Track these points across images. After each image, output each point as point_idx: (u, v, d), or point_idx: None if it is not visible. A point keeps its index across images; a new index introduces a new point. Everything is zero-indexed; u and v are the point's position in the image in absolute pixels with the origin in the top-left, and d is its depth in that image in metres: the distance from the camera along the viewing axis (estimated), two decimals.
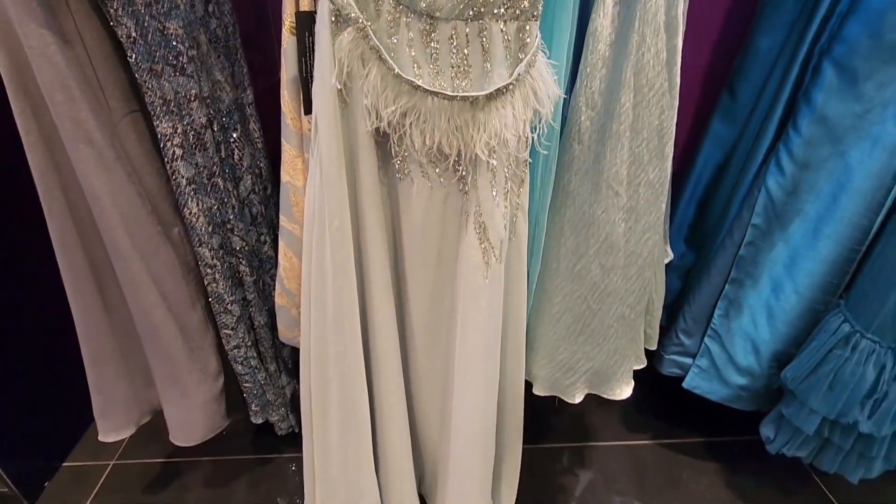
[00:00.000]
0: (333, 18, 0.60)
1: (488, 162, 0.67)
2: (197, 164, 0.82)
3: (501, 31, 0.63)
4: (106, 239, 0.81)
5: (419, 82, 0.62)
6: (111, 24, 0.68)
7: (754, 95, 0.98)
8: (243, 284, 0.97)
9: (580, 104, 0.71)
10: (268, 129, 0.97)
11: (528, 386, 0.92)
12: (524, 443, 0.94)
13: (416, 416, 0.93)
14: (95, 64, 0.71)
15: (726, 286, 1.03)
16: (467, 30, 0.62)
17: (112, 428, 1.01)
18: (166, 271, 0.87)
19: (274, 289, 1.02)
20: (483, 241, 0.71)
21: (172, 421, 1.02)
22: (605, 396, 0.89)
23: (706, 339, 1.09)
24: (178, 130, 0.77)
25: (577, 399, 0.88)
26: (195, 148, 0.80)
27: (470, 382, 0.79)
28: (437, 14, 0.61)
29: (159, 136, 0.76)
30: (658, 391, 1.41)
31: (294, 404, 1.17)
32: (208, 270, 0.89)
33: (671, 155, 0.71)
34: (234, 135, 0.89)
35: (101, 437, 1.01)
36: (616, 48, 0.67)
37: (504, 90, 0.63)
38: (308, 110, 0.70)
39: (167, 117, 0.75)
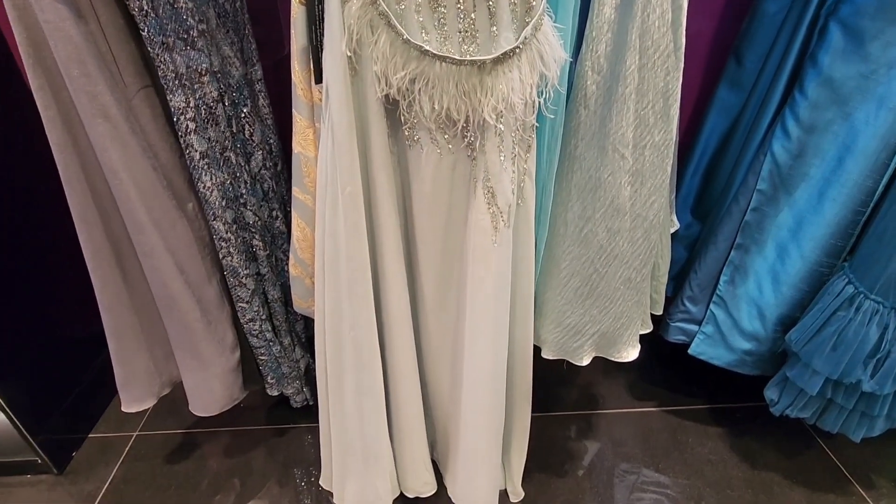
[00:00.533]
0: None
1: (496, 126, 0.68)
2: (209, 139, 0.83)
3: None
4: (124, 212, 0.83)
5: (427, 47, 0.63)
6: None
7: (761, 61, 0.98)
8: (257, 259, 1.00)
9: (586, 69, 0.72)
10: (276, 104, 0.99)
11: (537, 352, 0.94)
12: (533, 411, 0.97)
13: (427, 380, 0.96)
14: (109, 39, 0.72)
15: (732, 253, 1.05)
16: None
17: (134, 399, 1.04)
18: (183, 244, 0.90)
19: (286, 264, 1.05)
20: (491, 205, 0.73)
21: (192, 391, 1.05)
22: (611, 359, 0.92)
23: (712, 306, 1.11)
24: (191, 104, 0.78)
25: (585, 362, 0.91)
26: (207, 122, 0.82)
27: (479, 347, 0.81)
28: None
29: (172, 109, 0.77)
30: (663, 359, 1.43)
31: (308, 377, 1.20)
32: (223, 244, 0.92)
33: (676, 117, 0.71)
34: (245, 110, 0.91)
35: (123, 408, 1.05)
36: (621, 11, 0.67)
37: (511, 54, 0.64)
38: (319, 79, 0.71)
39: (180, 91, 0.77)
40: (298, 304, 0.98)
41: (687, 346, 1.16)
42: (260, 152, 0.95)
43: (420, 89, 0.66)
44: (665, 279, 1.00)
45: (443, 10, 0.64)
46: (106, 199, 0.83)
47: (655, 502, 1.11)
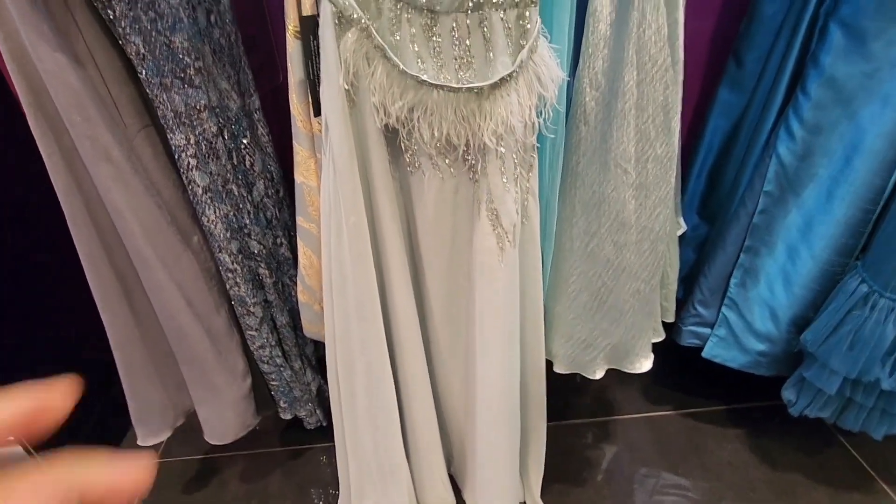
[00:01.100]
0: (336, 21, 0.61)
1: (497, 149, 0.68)
2: (211, 173, 0.84)
3: (501, 19, 0.63)
4: (130, 249, 0.83)
5: (424, 77, 0.63)
6: (120, 42, 0.69)
7: (761, 62, 0.97)
8: (264, 286, 1.00)
9: (584, 85, 0.71)
10: (275, 131, 0.99)
11: (549, 365, 0.94)
12: (548, 420, 0.97)
13: (440, 396, 0.96)
14: (108, 82, 0.73)
15: (741, 255, 1.04)
16: (468, 21, 0.63)
17: (150, 433, 1.05)
18: (189, 277, 0.90)
19: (293, 289, 1.05)
20: (496, 226, 0.73)
21: (206, 421, 1.06)
22: (625, 370, 0.91)
23: (723, 309, 1.10)
24: (191, 141, 0.79)
25: (598, 375, 0.90)
26: (208, 157, 0.82)
27: (492, 365, 0.81)
28: (438, 8, 0.62)
29: (173, 148, 0.78)
30: (677, 363, 1.42)
31: (320, 399, 1.20)
32: (229, 275, 0.92)
33: (678, 129, 0.71)
34: (245, 141, 0.91)
35: (139, 442, 1.05)
36: (616, 27, 0.67)
37: (508, 78, 0.64)
38: (317, 112, 0.71)
39: (180, 129, 0.77)
40: (308, 330, 0.98)
41: (700, 349, 1.16)
42: (261, 181, 0.96)
43: (419, 117, 0.66)
44: (675, 286, 0.99)
45: (437, 38, 0.63)
46: (111, 237, 0.84)
47: None
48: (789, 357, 1.08)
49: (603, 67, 0.69)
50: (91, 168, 0.75)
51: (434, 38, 0.64)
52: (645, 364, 0.89)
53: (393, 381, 0.84)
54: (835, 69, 0.84)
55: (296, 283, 0.94)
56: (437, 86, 0.63)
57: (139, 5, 0.67)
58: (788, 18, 0.91)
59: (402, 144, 0.70)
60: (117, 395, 1.02)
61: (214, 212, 0.86)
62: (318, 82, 0.67)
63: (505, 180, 0.70)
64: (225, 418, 1.05)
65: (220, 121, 0.85)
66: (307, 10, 0.66)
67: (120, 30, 0.68)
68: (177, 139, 0.77)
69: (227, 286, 0.93)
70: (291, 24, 0.67)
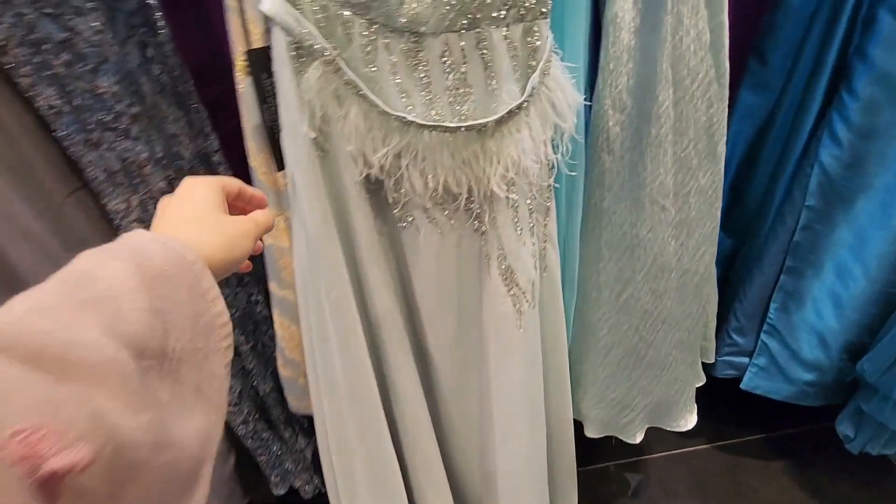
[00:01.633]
0: (294, 53, 0.48)
1: (508, 198, 0.55)
2: None
3: (504, 37, 0.50)
4: None
5: (411, 117, 0.50)
6: (25, 95, 0.55)
7: (790, 59, 0.85)
8: (240, 354, 0.86)
9: (605, 108, 0.59)
10: (241, 174, 0.85)
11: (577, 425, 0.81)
12: None
13: (454, 473, 0.83)
14: (17, 145, 0.59)
15: (781, 277, 0.92)
16: (462, 43, 0.50)
17: None
18: None
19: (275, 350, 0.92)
20: (511, 286, 0.60)
21: None
22: (668, 429, 0.78)
23: (763, 336, 0.98)
24: (134, 204, 0.65)
25: (638, 438, 0.78)
26: None
27: (514, 439, 0.68)
28: (423, 28, 0.49)
29: (111, 214, 0.64)
30: (705, 389, 1.30)
31: (317, 465, 1.07)
32: None
33: (724, 154, 0.58)
34: None
35: None
36: (643, 35, 0.54)
37: (517, 110, 0.51)
38: (280, 166, 0.58)
39: (117, 192, 0.63)
40: (296, 406, 0.84)
41: (735, 379, 1.04)
42: None
43: (408, 165, 0.53)
44: (714, 323, 0.87)
45: (424, 66, 0.50)
46: None
47: None
48: (841, 385, 0.96)
49: (628, 85, 0.56)
50: (10, 251, 0.61)
51: (420, 67, 0.51)
52: (690, 420, 0.77)
53: (400, 470, 0.70)
54: (887, 63, 0.72)
55: (277, 358, 0.81)
56: (428, 126, 0.50)
57: (45, 47, 0.54)
58: (822, 8, 0.79)
59: (390, 197, 0.57)
60: None
61: None
62: (277, 130, 0.54)
63: (519, 231, 0.57)
64: None
65: (170, 173, 0.71)
66: (257, 40, 0.52)
67: (22, 80, 0.54)
68: (114, 204, 0.63)
69: None
70: (239, 58, 0.53)
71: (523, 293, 0.60)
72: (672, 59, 0.52)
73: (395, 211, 0.57)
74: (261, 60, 0.52)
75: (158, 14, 0.69)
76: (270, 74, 0.52)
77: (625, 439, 0.78)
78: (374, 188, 0.57)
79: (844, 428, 0.95)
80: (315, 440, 1.07)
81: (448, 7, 0.47)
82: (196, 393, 0.26)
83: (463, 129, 0.50)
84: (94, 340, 0.22)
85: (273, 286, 0.71)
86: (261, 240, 0.40)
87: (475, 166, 0.53)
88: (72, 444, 0.18)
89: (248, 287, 0.88)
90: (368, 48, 0.49)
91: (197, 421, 0.26)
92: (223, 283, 0.82)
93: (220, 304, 0.29)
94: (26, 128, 0.59)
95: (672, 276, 0.63)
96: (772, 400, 1.05)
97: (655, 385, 0.72)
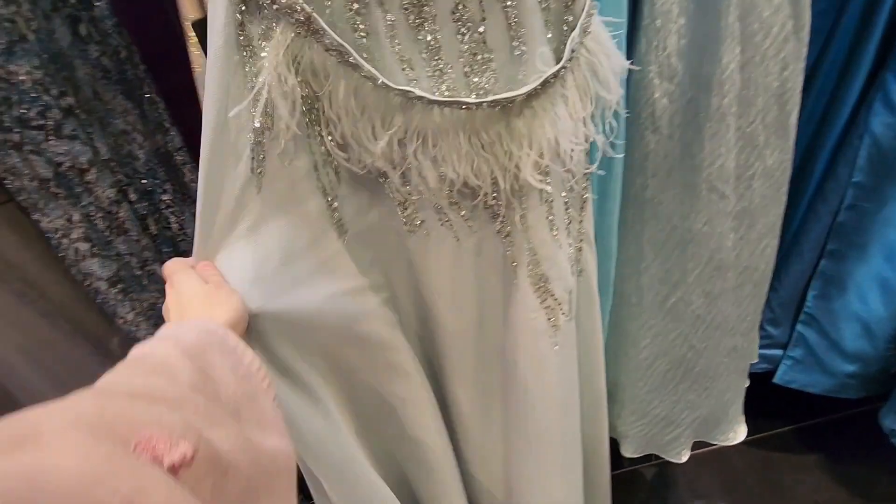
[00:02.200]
0: (240, 15, 0.36)
1: (542, 190, 0.44)
2: (119, 255, 0.58)
3: None
4: (26, 389, 0.57)
5: (418, 91, 0.39)
6: None
7: (830, 16, 0.75)
8: None
9: (650, 75, 0.48)
10: None
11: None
12: None
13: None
14: None
15: (822, 262, 0.83)
16: None
17: None
18: None
19: None
20: (545, 297, 0.50)
21: None
22: (715, 443, 0.70)
23: (799, 326, 0.90)
24: (74, 219, 0.53)
25: (683, 458, 0.69)
26: (110, 235, 0.56)
27: (549, 476, 0.58)
28: None
29: (45, 234, 0.52)
30: None
31: None
32: None
33: (796, 127, 0.48)
34: (165, 197, 0.65)
35: None
36: None
37: (552, 79, 0.40)
38: None
39: (52, 205, 0.51)
40: None
41: (768, 373, 0.96)
42: None
43: (416, 152, 0.42)
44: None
45: (431, 26, 0.39)
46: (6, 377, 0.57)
47: None
48: (885, 376, 0.88)
49: (679, 46, 0.46)
50: None
51: (426, 27, 0.39)
52: (740, 432, 0.69)
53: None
54: None
55: None
56: (438, 103, 0.39)
57: None
58: None
59: (392, 194, 0.46)
60: None
61: (133, 307, 0.60)
62: None
63: (555, 232, 0.47)
64: None
65: (121, 177, 0.59)
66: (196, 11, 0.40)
67: None
68: (47, 223, 0.51)
69: None
70: (188, 29, 0.41)
71: (559, 304, 0.50)
72: (741, 9, 0.42)
73: (400, 211, 0.46)
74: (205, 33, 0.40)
75: None
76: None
77: (668, 458, 0.69)
78: (369, 179, 0.46)
79: (891, 422, 0.87)
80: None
81: None
82: (258, 426, 0.31)
83: (485, 105, 0.39)
84: (165, 385, 0.27)
85: None
86: None
87: (499, 152, 0.42)
88: (177, 442, 0.23)
89: None
90: (356, 4, 0.37)
91: (267, 440, 0.31)
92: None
93: (250, 354, 0.36)
94: None
95: (729, 275, 0.54)
96: (800, 390, 0.98)
97: (705, 398, 0.63)
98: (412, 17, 0.39)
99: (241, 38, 0.38)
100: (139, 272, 0.61)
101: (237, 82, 0.39)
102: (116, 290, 0.58)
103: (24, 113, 0.48)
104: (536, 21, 0.39)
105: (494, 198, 0.46)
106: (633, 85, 0.50)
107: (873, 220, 0.77)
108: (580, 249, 0.52)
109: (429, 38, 0.40)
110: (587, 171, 0.47)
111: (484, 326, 0.54)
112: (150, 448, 0.22)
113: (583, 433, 0.63)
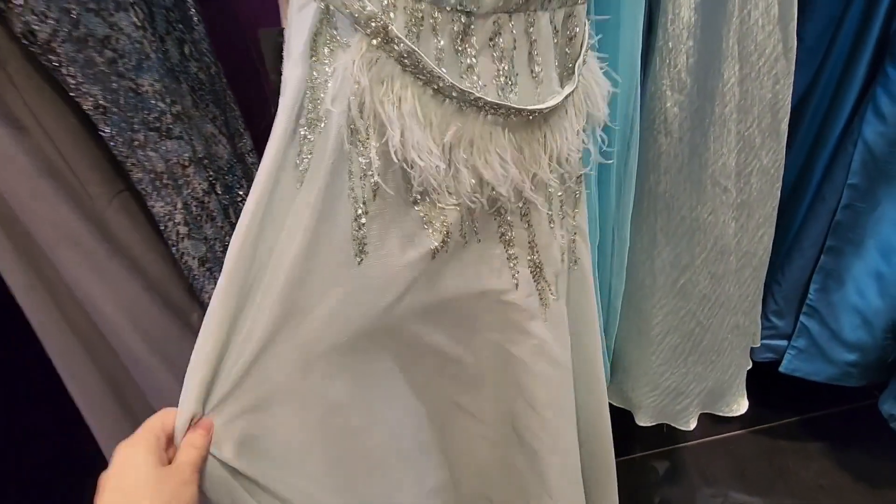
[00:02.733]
0: (318, 27, 0.44)
1: (550, 190, 0.54)
2: (206, 239, 0.68)
3: (550, 22, 0.48)
4: (117, 346, 0.68)
5: (478, 93, 0.47)
6: (72, 94, 0.54)
7: (826, 35, 0.84)
8: None
9: (663, 88, 0.57)
10: None
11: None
12: None
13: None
14: (61, 148, 0.57)
15: (822, 257, 0.91)
16: (512, 24, 0.48)
17: None
18: None
19: None
20: (539, 280, 0.57)
21: None
22: (719, 414, 0.77)
23: (802, 318, 0.97)
24: (178, 206, 0.63)
25: (692, 425, 0.77)
26: (201, 221, 0.67)
27: (553, 468, 0.65)
28: (474, 8, 0.46)
29: (156, 217, 0.62)
30: None
31: None
32: None
33: (786, 132, 0.57)
34: (241, 192, 0.76)
35: None
36: (706, 11, 0.53)
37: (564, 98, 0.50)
38: None
39: (161, 193, 0.62)
40: None
41: (773, 363, 1.03)
42: None
43: (463, 157, 0.50)
44: (760, 306, 0.86)
45: (472, 50, 0.47)
46: (91, 334, 0.68)
47: None
48: (883, 364, 0.95)
49: (688, 64, 0.55)
50: (54, 257, 0.59)
51: (468, 51, 0.48)
52: (742, 404, 0.76)
53: None
54: None
55: None
56: (494, 105, 0.48)
57: (90, 43, 0.52)
58: None
59: (426, 213, 0.50)
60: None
61: (215, 284, 0.70)
62: None
63: (552, 226, 0.55)
64: None
65: (210, 174, 0.69)
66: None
67: (69, 79, 0.52)
68: (159, 207, 0.62)
69: None
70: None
71: (549, 286, 0.58)
72: (739, 34, 0.51)
73: (426, 226, 0.52)
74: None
75: (194, 10, 0.68)
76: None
77: (678, 426, 0.77)
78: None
79: (890, 407, 0.94)
80: None
81: None
82: None
83: (527, 112, 0.49)
84: None
85: None
86: None
87: (528, 155, 0.51)
88: None
89: None
90: (414, 29, 0.46)
91: None
92: None
93: None
94: (69, 130, 0.58)
95: (731, 259, 0.62)
96: (806, 381, 1.04)
97: (710, 371, 0.71)
98: (458, 43, 0.47)
99: (321, 44, 0.44)
100: (221, 254, 0.72)
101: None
102: (204, 269, 0.69)
103: (145, 117, 0.59)
104: (549, 51, 0.49)
105: (510, 201, 0.53)
106: (649, 96, 0.59)
107: (868, 218, 0.85)
108: (574, 241, 0.60)
109: (467, 59, 0.48)
110: (579, 175, 0.56)
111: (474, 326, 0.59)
112: None
113: (581, 404, 0.69)
